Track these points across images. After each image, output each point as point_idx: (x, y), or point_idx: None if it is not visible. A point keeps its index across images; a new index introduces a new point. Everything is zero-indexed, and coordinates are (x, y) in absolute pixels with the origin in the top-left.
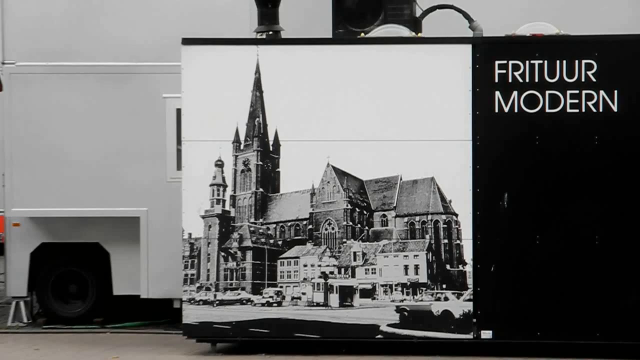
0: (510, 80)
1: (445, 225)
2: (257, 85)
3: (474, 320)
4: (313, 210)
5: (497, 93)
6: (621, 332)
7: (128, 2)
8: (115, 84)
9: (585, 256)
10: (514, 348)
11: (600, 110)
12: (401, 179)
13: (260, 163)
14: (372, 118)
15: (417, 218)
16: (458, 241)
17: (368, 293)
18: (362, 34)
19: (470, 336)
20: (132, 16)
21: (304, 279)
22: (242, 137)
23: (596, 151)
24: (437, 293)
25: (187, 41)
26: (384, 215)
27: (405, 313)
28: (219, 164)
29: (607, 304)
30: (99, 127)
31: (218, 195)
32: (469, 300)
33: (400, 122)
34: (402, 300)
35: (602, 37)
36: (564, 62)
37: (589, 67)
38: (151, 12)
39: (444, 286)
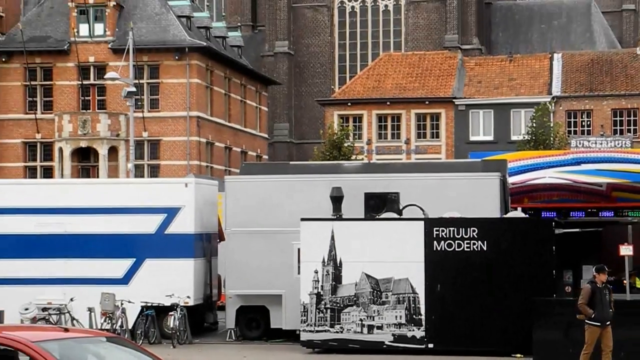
0: (440, 236)
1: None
2: (332, 237)
3: None
4: (356, 291)
5: (434, 241)
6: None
7: (276, 200)
8: (272, 237)
9: None
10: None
11: (479, 249)
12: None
13: (333, 271)
14: (379, 251)
15: None
16: None
17: None
18: (376, 216)
19: None
20: (281, 207)
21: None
22: (326, 260)
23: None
24: None
25: (303, 219)
26: None
27: None
28: (316, 272)
29: None
30: (266, 257)
31: (316, 285)
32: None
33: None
34: None
35: (480, 219)
36: (462, 229)
37: (473, 230)
38: (288, 207)
39: None
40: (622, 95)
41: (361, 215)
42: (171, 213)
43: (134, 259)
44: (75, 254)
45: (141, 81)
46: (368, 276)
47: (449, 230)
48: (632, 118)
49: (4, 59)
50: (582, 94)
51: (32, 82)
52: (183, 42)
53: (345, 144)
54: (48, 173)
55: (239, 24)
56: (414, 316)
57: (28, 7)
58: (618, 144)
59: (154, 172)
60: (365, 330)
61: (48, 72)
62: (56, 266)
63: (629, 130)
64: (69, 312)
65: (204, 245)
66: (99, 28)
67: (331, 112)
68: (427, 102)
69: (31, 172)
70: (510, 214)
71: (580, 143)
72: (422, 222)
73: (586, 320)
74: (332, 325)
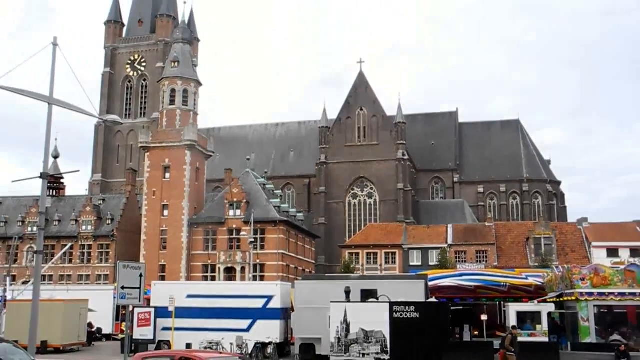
0: (397, 310)
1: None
2: (345, 311)
3: None
4: (357, 337)
5: (394, 312)
6: None
7: (319, 292)
8: (317, 310)
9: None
10: None
11: (415, 317)
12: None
13: (346, 327)
14: (368, 318)
15: None
16: None
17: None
18: (367, 301)
19: None
20: (321, 295)
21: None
22: (342, 321)
23: (416, 321)
24: None
25: (332, 301)
26: None
27: None
28: (338, 327)
29: None
30: (314, 319)
31: (338, 333)
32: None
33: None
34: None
35: (415, 302)
36: (407, 307)
37: (412, 307)
38: (325, 295)
39: None
40: (480, 244)
41: (359, 300)
42: (269, 298)
43: (252, 320)
44: (224, 317)
45: (256, 236)
46: (363, 330)
47: (401, 307)
48: (485, 255)
49: (195, 227)
50: (462, 243)
51: (207, 237)
52: (276, 218)
53: (352, 266)
54: (213, 279)
55: (302, 210)
56: (384, 349)
57: (207, 203)
58: (479, 267)
59: (262, 279)
60: (361, 355)
61: (214, 232)
62: (215, 323)
63: (484, 260)
64: (221, 345)
65: (285, 314)
66: (238, 212)
67: (345, 251)
68: (389, 247)
69: (205, 279)
70: (430, 300)
71: (462, 267)
72: (388, 304)
73: (507, 353)
74: (345, 353)
